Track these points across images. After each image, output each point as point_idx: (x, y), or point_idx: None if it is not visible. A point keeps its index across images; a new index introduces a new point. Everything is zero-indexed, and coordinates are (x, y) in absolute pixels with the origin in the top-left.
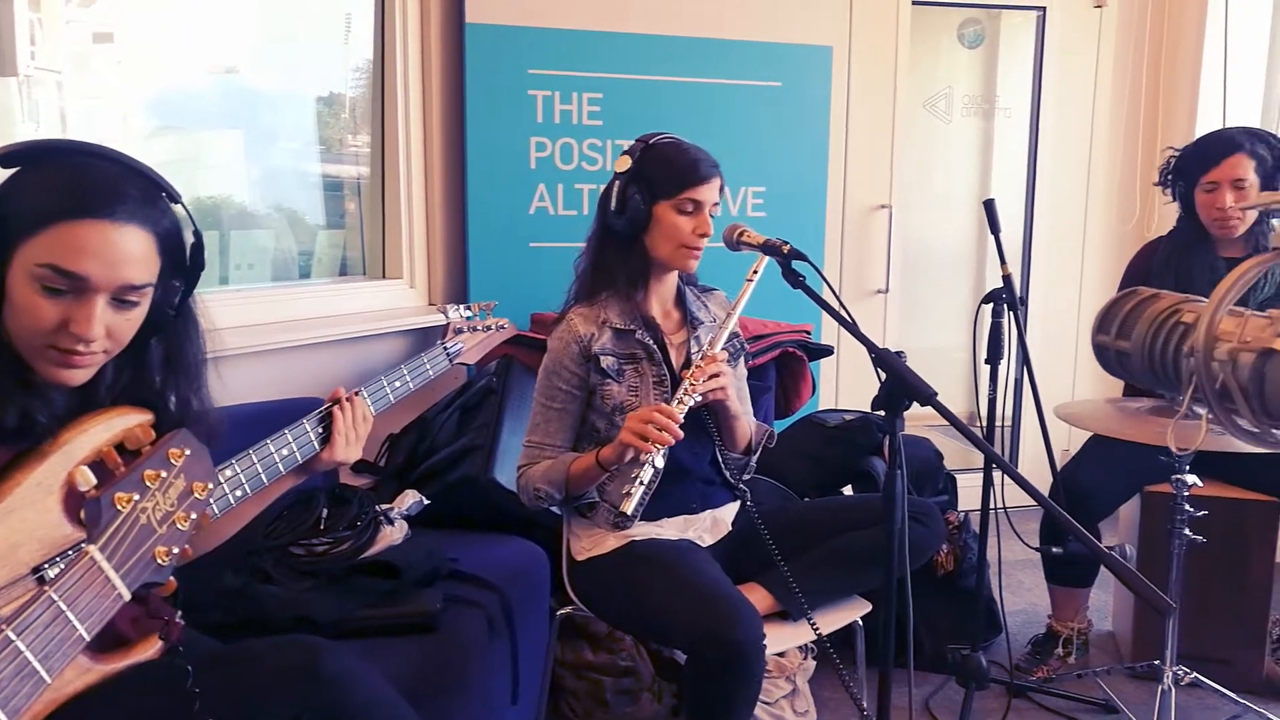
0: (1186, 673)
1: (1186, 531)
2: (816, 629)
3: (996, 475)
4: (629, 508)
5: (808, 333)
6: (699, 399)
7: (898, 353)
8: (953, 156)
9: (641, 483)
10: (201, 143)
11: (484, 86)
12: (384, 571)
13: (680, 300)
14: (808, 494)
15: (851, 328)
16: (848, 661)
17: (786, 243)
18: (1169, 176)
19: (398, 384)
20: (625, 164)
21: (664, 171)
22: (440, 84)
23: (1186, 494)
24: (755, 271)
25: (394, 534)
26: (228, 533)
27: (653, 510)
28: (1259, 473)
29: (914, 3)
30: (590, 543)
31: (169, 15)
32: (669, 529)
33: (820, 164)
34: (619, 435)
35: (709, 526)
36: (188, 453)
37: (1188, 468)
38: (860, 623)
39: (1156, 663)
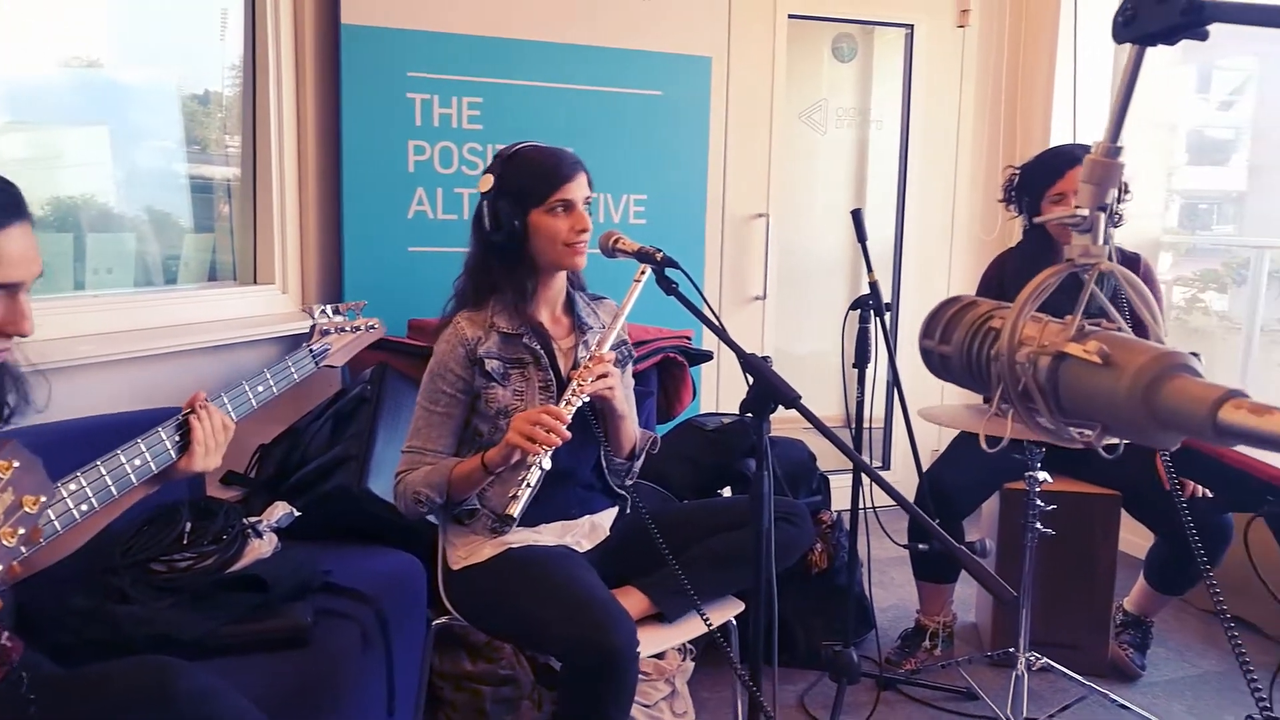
0: (1038, 659)
1: (1038, 525)
2: (708, 621)
3: (866, 475)
4: (515, 510)
5: (688, 338)
6: (586, 399)
7: (764, 357)
8: (828, 166)
9: (528, 485)
10: (62, 140)
11: (360, 88)
12: (251, 586)
13: (570, 306)
14: (687, 496)
15: (721, 333)
16: (720, 662)
17: (659, 250)
18: (1013, 193)
19: (260, 388)
20: (489, 183)
21: (528, 180)
22: (315, 85)
23: (1038, 490)
24: (641, 274)
25: (263, 547)
26: (73, 545)
27: (531, 516)
28: (1103, 468)
29: (790, 16)
30: (466, 551)
31: (14, 3)
32: (547, 535)
33: (700, 172)
34: (505, 436)
35: (587, 532)
36: (16, 464)
37: (1039, 465)
38: (734, 621)
39: (1012, 650)
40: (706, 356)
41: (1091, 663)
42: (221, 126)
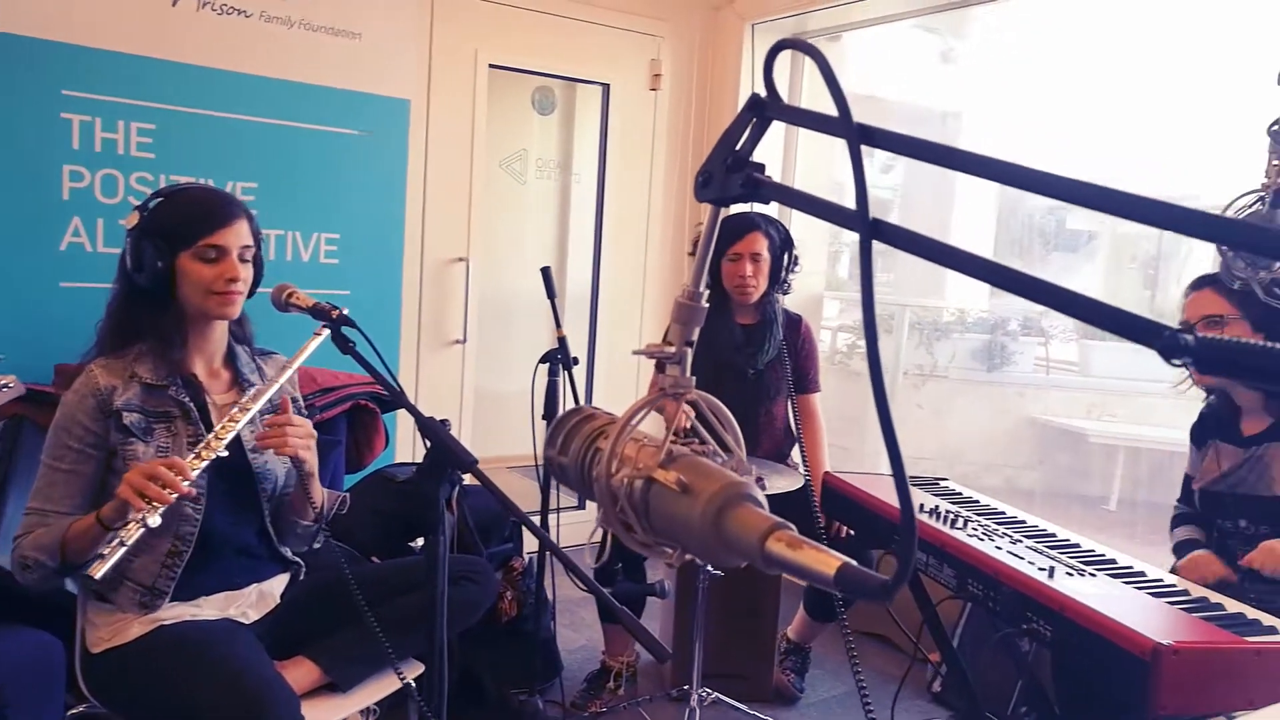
0: (709, 694)
1: (709, 567)
2: (403, 677)
3: (553, 516)
4: (98, 571)
5: (377, 372)
6: (224, 454)
7: (442, 421)
8: (531, 215)
9: (122, 543)
10: None
11: (4, 105)
12: None
13: (231, 359)
14: (375, 553)
15: (399, 396)
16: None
17: (336, 307)
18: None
19: None
20: (134, 220)
21: (178, 221)
22: None
23: None
24: (320, 331)
25: None
26: None
27: (190, 588)
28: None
29: (491, 66)
30: (110, 631)
31: None
32: (208, 608)
33: (398, 214)
34: (118, 489)
35: (254, 601)
36: None
37: None
38: (413, 683)
39: (686, 687)
40: (399, 391)
41: (759, 690)
42: None
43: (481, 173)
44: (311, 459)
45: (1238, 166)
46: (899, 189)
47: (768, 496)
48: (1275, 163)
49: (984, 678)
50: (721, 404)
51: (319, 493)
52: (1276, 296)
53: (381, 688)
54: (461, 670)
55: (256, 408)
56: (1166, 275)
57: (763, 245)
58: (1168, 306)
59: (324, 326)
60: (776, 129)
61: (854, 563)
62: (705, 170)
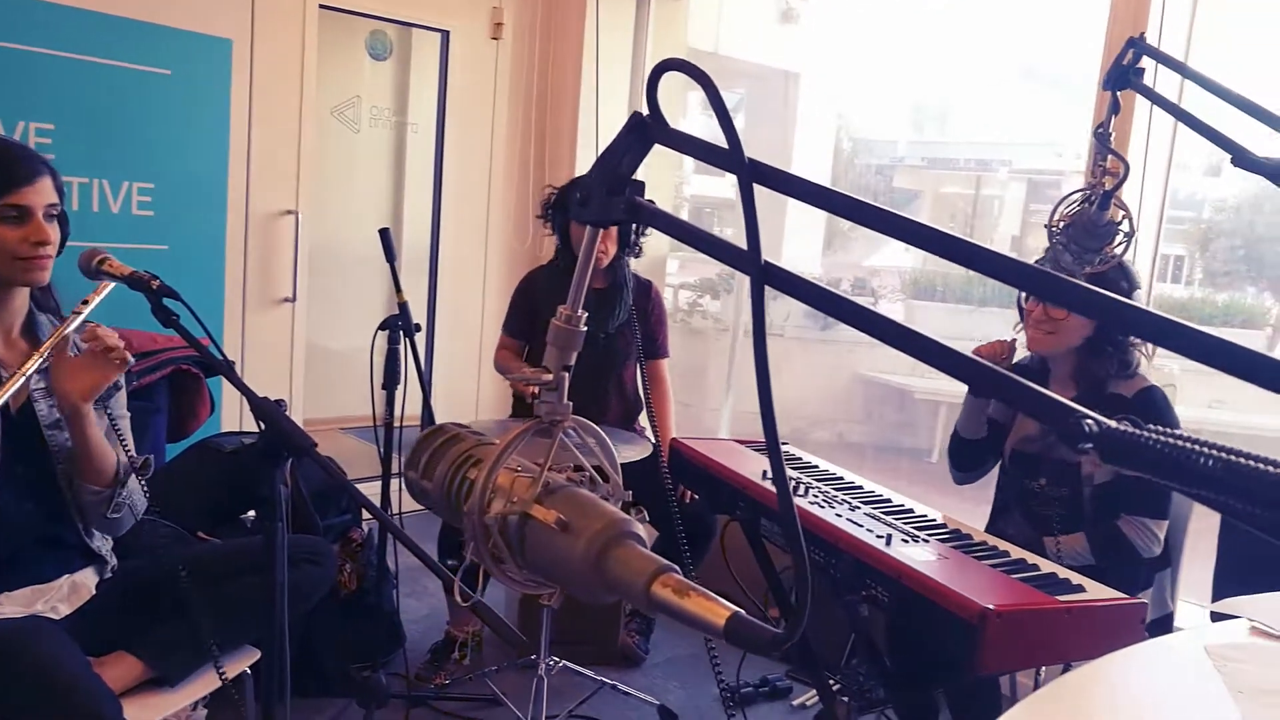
0: (557, 661)
1: None
2: (223, 674)
3: (395, 481)
4: None
5: (204, 347)
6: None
7: (277, 401)
8: (365, 166)
9: None
10: None
11: None
12: None
13: (31, 329)
14: (203, 529)
15: (229, 373)
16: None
17: (156, 277)
18: (550, 211)
19: None
20: None
21: None
22: None
23: None
24: (87, 301)
25: None
26: None
27: None
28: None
29: (321, 7)
30: None
31: None
32: (10, 605)
33: (220, 164)
34: None
35: (65, 595)
36: None
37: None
38: (249, 671)
39: (534, 656)
40: (228, 366)
41: (604, 654)
42: None
43: (311, 120)
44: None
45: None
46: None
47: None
48: (1100, 163)
49: (819, 633)
50: (598, 428)
51: (104, 450)
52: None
53: (213, 679)
54: (299, 648)
55: (34, 365)
56: (981, 233)
57: None
58: None
59: (102, 291)
60: None
61: (743, 613)
62: (584, 189)
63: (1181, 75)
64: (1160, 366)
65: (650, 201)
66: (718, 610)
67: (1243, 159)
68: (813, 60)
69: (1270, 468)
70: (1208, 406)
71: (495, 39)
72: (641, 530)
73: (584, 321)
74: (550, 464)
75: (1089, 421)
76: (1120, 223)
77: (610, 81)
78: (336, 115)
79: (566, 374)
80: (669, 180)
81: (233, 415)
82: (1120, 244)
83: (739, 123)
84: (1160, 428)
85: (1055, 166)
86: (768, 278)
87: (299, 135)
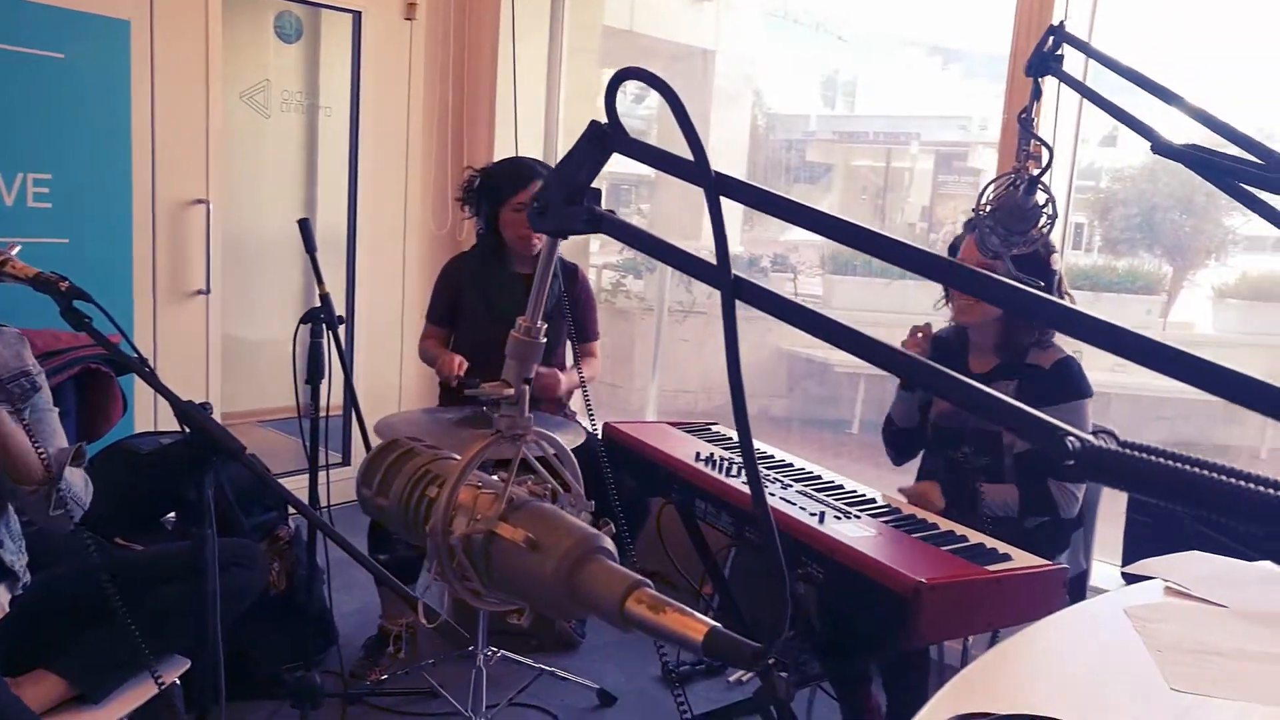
0: (495, 651)
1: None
2: (159, 680)
3: (323, 474)
4: None
5: (115, 344)
6: None
7: (203, 405)
8: (277, 152)
9: None
10: None
11: None
12: None
13: None
14: (122, 534)
15: (150, 378)
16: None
17: (64, 278)
18: (472, 195)
19: None
20: None
21: None
22: None
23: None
24: None
25: None
26: None
27: None
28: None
29: None
30: None
31: None
32: None
33: (122, 152)
34: None
35: None
36: None
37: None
38: (178, 681)
39: (471, 648)
40: (148, 371)
41: (542, 641)
42: None
43: (219, 105)
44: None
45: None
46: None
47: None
48: (1024, 148)
49: (752, 607)
50: (558, 439)
51: (20, 443)
52: (1035, 274)
53: (141, 693)
54: (228, 651)
55: None
56: (892, 206)
57: None
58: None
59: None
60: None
61: (721, 627)
62: (541, 198)
63: (1102, 64)
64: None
65: (611, 211)
66: (695, 626)
67: (1160, 146)
68: (727, 38)
69: (1237, 480)
70: (1111, 370)
71: (409, 19)
72: (611, 544)
73: (544, 333)
74: (513, 479)
75: (1071, 439)
76: (1045, 206)
77: (527, 60)
78: (246, 100)
79: (527, 386)
80: None
81: (146, 414)
82: (1045, 226)
83: (654, 100)
84: (1140, 445)
85: (963, 139)
86: (739, 292)
87: (206, 121)
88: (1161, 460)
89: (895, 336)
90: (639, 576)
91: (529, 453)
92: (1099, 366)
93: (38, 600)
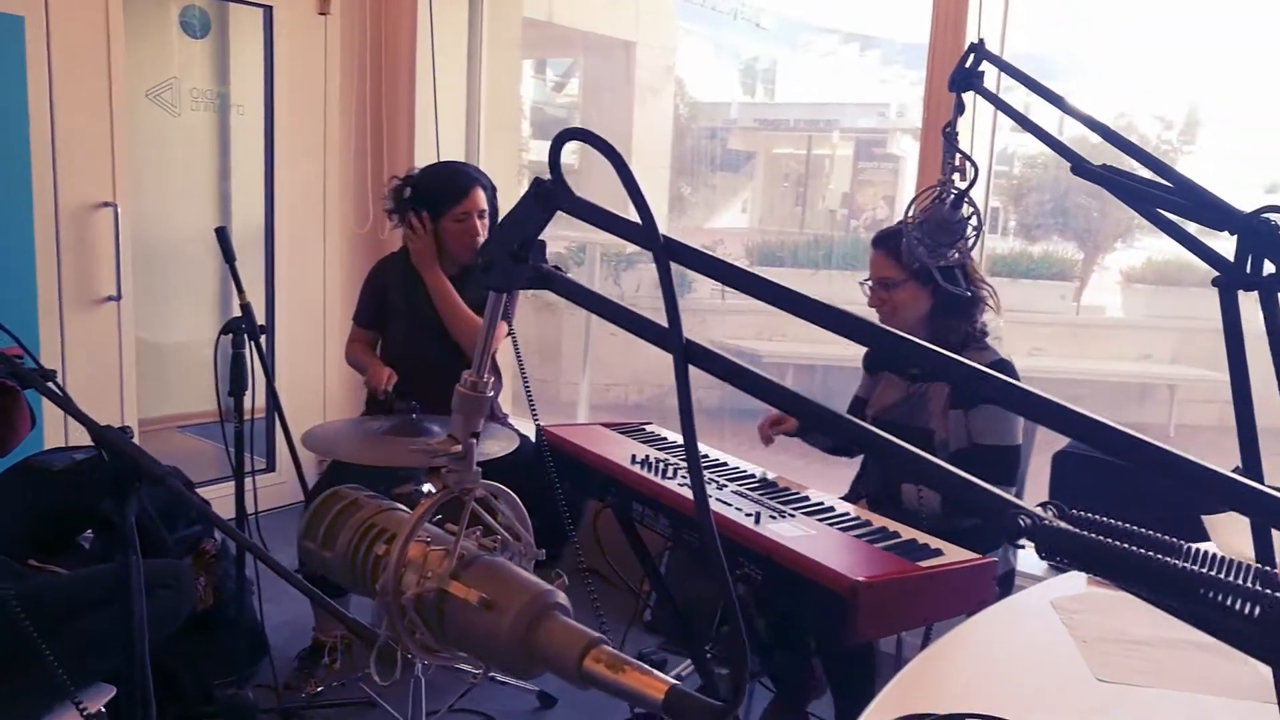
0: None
1: None
2: (83, 710)
3: (252, 479)
4: None
5: (19, 357)
6: None
7: (123, 429)
8: (187, 151)
9: None
10: None
11: None
12: None
13: None
14: (36, 555)
15: (65, 403)
16: None
17: None
18: (404, 205)
19: None
20: None
21: None
22: None
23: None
24: None
25: None
26: None
27: None
28: (494, 467)
29: None
30: None
31: None
32: None
33: (20, 153)
34: None
35: None
36: None
37: (424, 477)
38: (104, 709)
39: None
40: (46, 376)
41: None
42: None
43: (124, 104)
44: None
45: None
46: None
47: (485, 462)
48: (949, 161)
49: (688, 602)
50: (508, 489)
51: None
52: (953, 281)
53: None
54: (155, 672)
55: None
56: (813, 193)
57: (483, 199)
58: (813, 220)
59: None
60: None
61: (681, 686)
62: (487, 254)
63: (1021, 83)
64: (989, 318)
65: (557, 268)
66: (654, 685)
67: (1081, 168)
68: (647, 28)
69: (1189, 564)
70: (1029, 354)
71: (323, 14)
72: (565, 599)
73: (489, 387)
74: (462, 535)
75: (1023, 517)
76: (970, 218)
77: (446, 53)
78: (153, 98)
79: (475, 440)
80: (508, 143)
81: (55, 429)
82: (971, 238)
83: (574, 89)
84: (1092, 519)
85: (882, 125)
86: (690, 356)
87: (110, 121)
88: (1112, 541)
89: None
90: (595, 634)
91: (477, 507)
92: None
93: None
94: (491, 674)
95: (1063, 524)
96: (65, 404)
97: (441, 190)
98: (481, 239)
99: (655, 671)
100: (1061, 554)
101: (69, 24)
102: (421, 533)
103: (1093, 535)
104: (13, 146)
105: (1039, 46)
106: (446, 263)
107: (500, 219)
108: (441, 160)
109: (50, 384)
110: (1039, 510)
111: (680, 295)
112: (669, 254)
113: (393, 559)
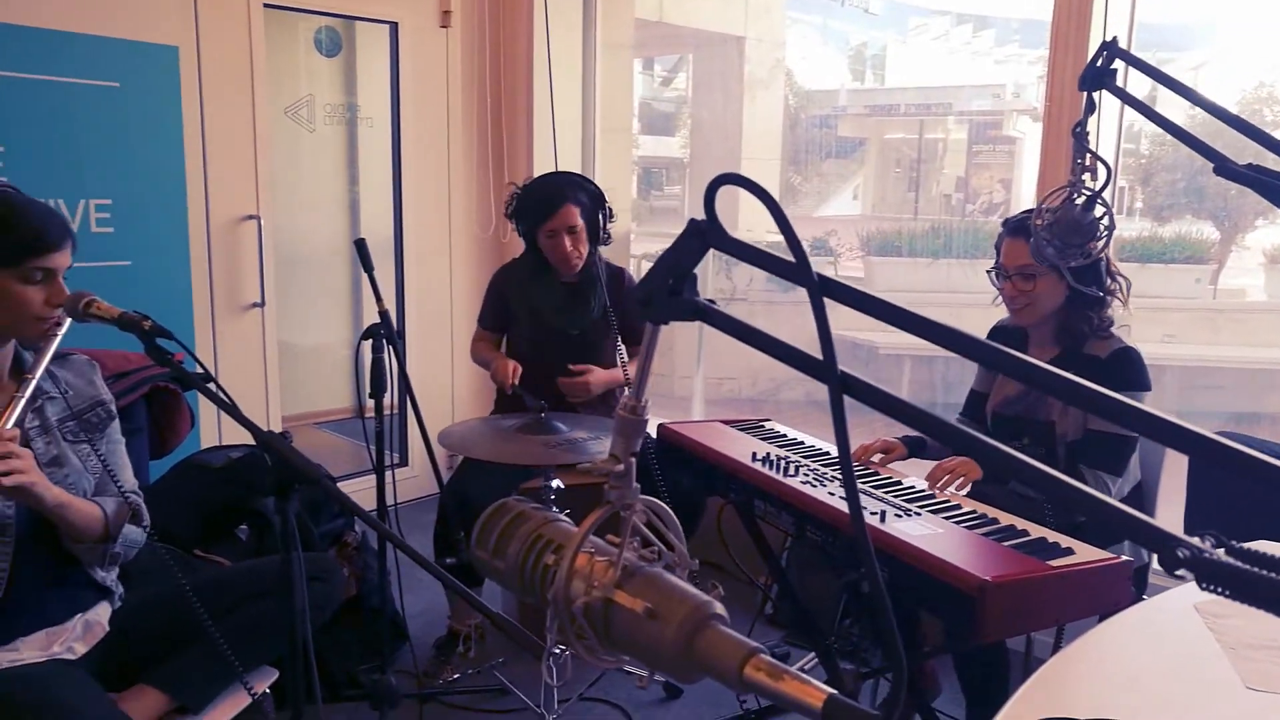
0: (564, 649)
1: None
2: (252, 691)
3: (389, 473)
4: None
5: (179, 362)
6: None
7: (283, 434)
8: (320, 164)
9: None
10: None
11: None
12: None
13: (19, 368)
14: (198, 546)
15: (233, 411)
16: None
17: (147, 317)
18: (515, 213)
19: None
20: None
21: (1, 237)
22: None
23: (553, 495)
24: (58, 324)
25: None
26: None
27: (2, 632)
28: None
29: (266, 6)
30: None
31: None
32: (28, 650)
33: (176, 173)
34: None
35: (80, 635)
36: None
37: (553, 473)
38: (269, 691)
39: (543, 645)
40: (206, 379)
41: None
42: None
43: (265, 122)
44: (40, 493)
45: None
46: (683, 100)
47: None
48: (1079, 161)
49: (810, 599)
50: (664, 505)
51: (85, 515)
52: (1084, 282)
53: (236, 703)
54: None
55: (10, 430)
56: (927, 178)
57: (576, 216)
58: (927, 206)
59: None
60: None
61: (839, 695)
62: (645, 291)
63: (1155, 80)
64: (1114, 307)
65: (711, 302)
66: (813, 693)
67: (1224, 168)
68: (755, 21)
69: None
70: (1161, 341)
71: (444, 27)
72: (722, 609)
73: (645, 409)
74: (625, 547)
75: (1183, 549)
76: (1102, 218)
77: (562, 59)
78: (290, 115)
79: (634, 459)
80: (621, 143)
81: (210, 428)
82: (1103, 240)
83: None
84: (1249, 551)
85: (996, 107)
86: (846, 388)
87: (254, 138)
88: (1270, 573)
89: (941, 316)
90: (754, 643)
91: (638, 520)
92: (1149, 339)
93: (135, 618)
94: (656, 677)
95: (1223, 556)
96: (230, 408)
97: (535, 206)
98: (571, 255)
99: (813, 680)
100: (1224, 586)
101: (217, 50)
102: (587, 546)
103: (1255, 570)
104: (171, 166)
105: (1169, 15)
106: (559, 270)
107: (657, 258)
108: (547, 172)
109: (211, 385)
110: (1197, 542)
111: (789, 289)
112: (824, 290)
113: (563, 569)
